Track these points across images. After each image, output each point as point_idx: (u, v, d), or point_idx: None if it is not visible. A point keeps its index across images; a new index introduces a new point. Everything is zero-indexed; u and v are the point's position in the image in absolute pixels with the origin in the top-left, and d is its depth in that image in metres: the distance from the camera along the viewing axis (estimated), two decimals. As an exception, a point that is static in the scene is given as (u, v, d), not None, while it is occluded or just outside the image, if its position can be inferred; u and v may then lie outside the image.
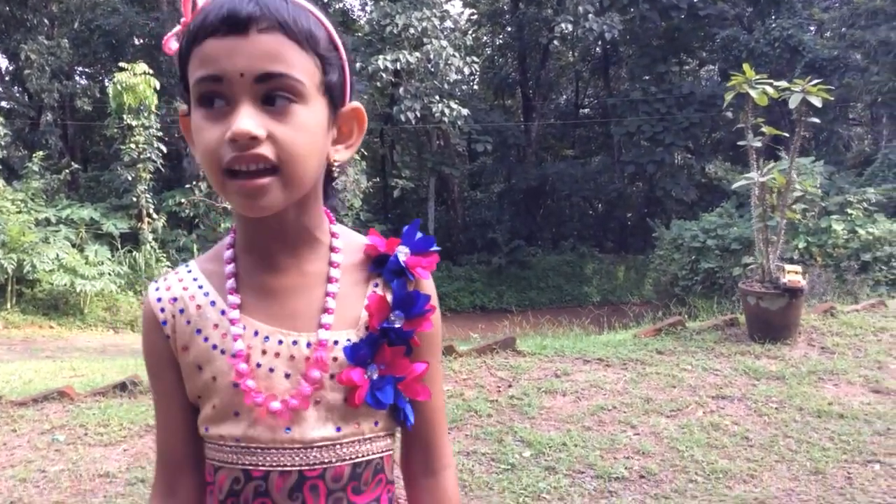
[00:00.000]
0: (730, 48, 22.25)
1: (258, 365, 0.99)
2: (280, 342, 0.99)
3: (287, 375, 0.99)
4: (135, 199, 17.19)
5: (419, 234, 1.06)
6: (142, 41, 24.53)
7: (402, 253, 1.04)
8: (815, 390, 4.37)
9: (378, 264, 1.05)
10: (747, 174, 5.40)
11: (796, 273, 5.01)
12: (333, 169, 1.04)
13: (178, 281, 1.06)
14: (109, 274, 15.57)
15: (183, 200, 17.65)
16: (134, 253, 17.04)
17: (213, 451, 1.02)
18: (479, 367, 4.91)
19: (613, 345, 5.30)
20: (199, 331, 1.01)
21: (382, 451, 1.04)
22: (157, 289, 1.06)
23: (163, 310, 1.04)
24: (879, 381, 4.45)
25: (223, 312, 1.01)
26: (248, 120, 0.88)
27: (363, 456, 1.01)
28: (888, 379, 4.48)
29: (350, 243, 1.07)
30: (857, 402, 4.19)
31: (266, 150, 0.90)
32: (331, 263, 1.03)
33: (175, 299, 1.04)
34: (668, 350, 5.12)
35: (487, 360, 5.02)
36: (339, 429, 1.00)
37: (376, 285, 1.04)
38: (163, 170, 18.06)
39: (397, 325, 1.01)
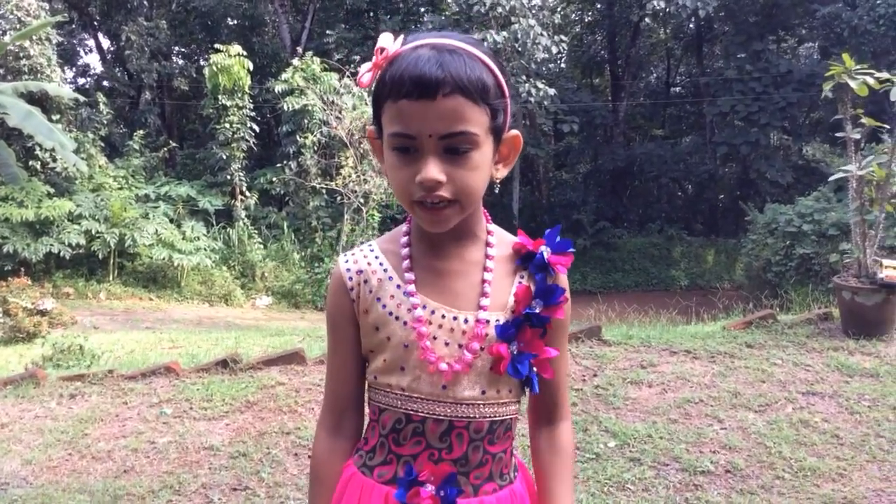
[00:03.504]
0: (831, 25, 21.31)
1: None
2: (443, 316, 1.22)
3: (447, 344, 1.22)
4: (229, 177, 17.78)
5: (558, 238, 1.28)
6: (236, 22, 25.18)
7: (546, 252, 1.27)
8: (911, 390, 4.26)
9: (525, 260, 1.28)
10: (845, 166, 5.25)
11: (894, 268, 4.86)
12: (495, 184, 1.35)
13: (364, 256, 1.30)
14: (205, 249, 16.19)
15: (274, 179, 18.14)
16: (228, 229, 17.64)
17: (380, 395, 1.27)
18: (565, 354, 4.95)
19: (701, 336, 5.25)
20: (378, 299, 1.25)
21: (513, 414, 1.29)
22: (346, 261, 1.31)
23: (350, 278, 1.28)
24: (981, 382, 4.30)
25: (398, 286, 1.25)
26: (434, 169, 1.12)
27: (499, 416, 1.25)
28: None
29: (501, 240, 1.30)
30: (956, 403, 4.07)
31: (446, 191, 1.13)
32: (487, 255, 1.27)
33: (361, 271, 1.28)
34: (758, 344, 5.05)
35: (573, 348, 5.05)
36: (483, 391, 1.23)
37: (522, 277, 1.28)
38: (255, 149, 18.60)
39: (537, 311, 1.22)
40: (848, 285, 5.05)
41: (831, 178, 5.88)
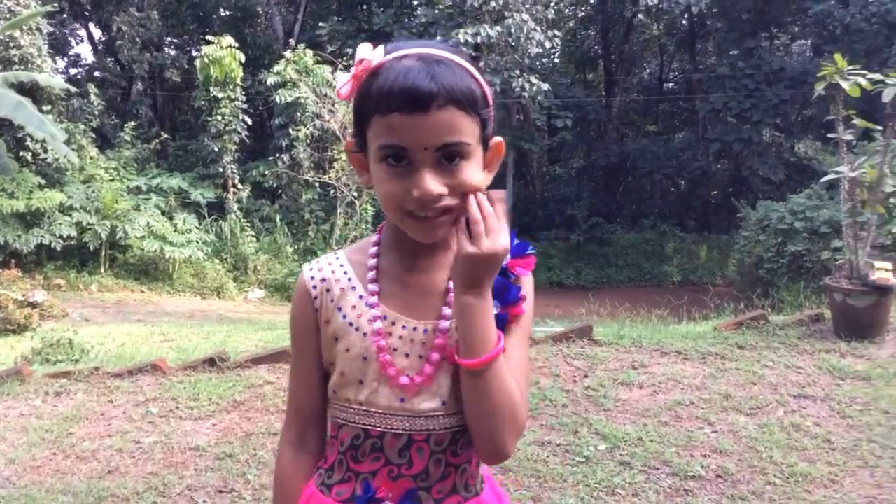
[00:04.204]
0: (824, 23, 21.33)
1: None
2: (403, 327, 1.20)
3: (406, 355, 1.19)
4: (221, 170, 17.71)
5: (516, 241, 1.24)
6: (228, 13, 25.04)
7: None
8: (902, 393, 4.25)
9: None
10: (836, 168, 5.23)
11: (886, 270, 4.85)
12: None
13: (329, 265, 1.28)
14: (197, 241, 16.13)
15: (267, 171, 18.07)
16: (220, 221, 17.57)
17: (338, 410, 1.24)
18: (555, 355, 4.94)
19: (692, 337, 5.23)
20: (339, 308, 1.23)
21: None
22: (311, 269, 1.28)
23: (314, 287, 1.26)
24: (973, 386, 4.29)
25: (360, 297, 1.22)
26: (433, 183, 1.10)
27: (461, 426, 1.20)
28: (982, 385, 4.31)
29: None
30: (947, 408, 4.05)
31: (446, 201, 1.11)
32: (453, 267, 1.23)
33: (324, 280, 1.26)
34: (749, 345, 5.03)
35: (563, 348, 5.03)
36: (443, 402, 1.19)
37: None
38: (247, 141, 18.52)
39: (496, 311, 1.17)
40: (840, 287, 5.03)
41: (823, 179, 5.86)
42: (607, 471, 3.53)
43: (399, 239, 1.22)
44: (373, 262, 1.25)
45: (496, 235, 1.10)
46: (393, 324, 1.20)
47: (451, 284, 1.21)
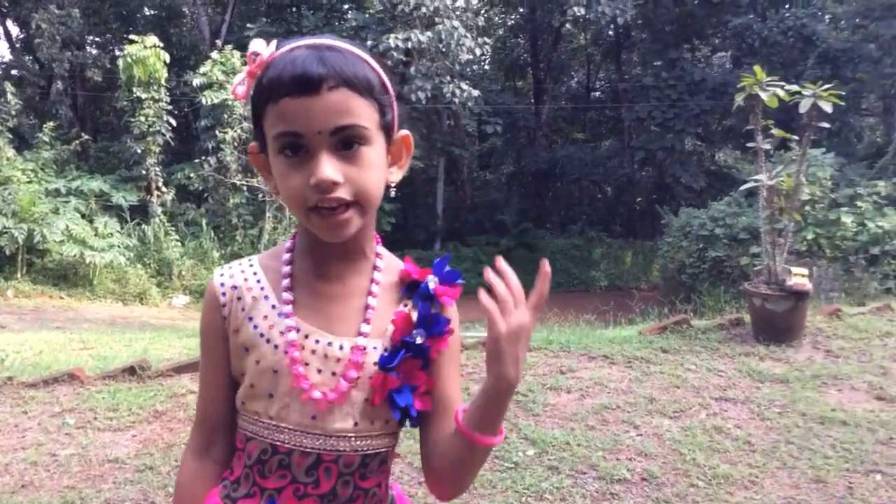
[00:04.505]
0: (743, 36, 22.07)
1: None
2: (317, 342, 1.14)
3: (320, 371, 1.14)
4: (144, 172, 17.24)
5: (447, 268, 1.20)
6: (152, 12, 24.45)
7: (432, 281, 1.20)
8: (818, 395, 4.39)
9: (410, 289, 1.21)
10: (755, 176, 5.40)
11: (802, 276, 5.02)
12: (391, 189, 1.18)
13: (241, 272, 1.21)
14: (118, 246, 15.64)
15: (192, 174, 17.68)
16: (143, 225, 17.10)
17: (247, 423, 1.18)
18: (485, 360, 4.94)
19: (619, 341, 5.32)
20: (250, 318, 1.17)
21: (388, 447, 1.20)
22: (221, 275, 1.22)
23: (224, 294, 1.19)
24: (884, 387, 4.46)
25: (273, 307, 1.16)
26: (329, 168, 1.04)
27: (372, 449, 1.17)
28: (893, 386, 4.48)
29: (390, 265, 1.23)
30: (860, 409, 4.21)
31: (344, 191, 1.06)
32: (373, 280, 1.20)
33: (235, 287, 1.19)
34: (673, 349, 5.15)
35: (493, 353, 5.04)
36: (356, 423, 1.15)
37: (405, 306, 1.20)
38: (172, 143, 18.10)
39: (418, 341, 1.15)
40: (758, 292, 5.19)
41: (742, 188, 6.05)
42: (535, 476, 3.55)
43: (311, 243, 1.17)
44: (286, 269, 1.19)
45: (522, 310, 1.07)
46: (307, 337, 1.14)
47: (369, 300, 1.17)
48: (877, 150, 19.57)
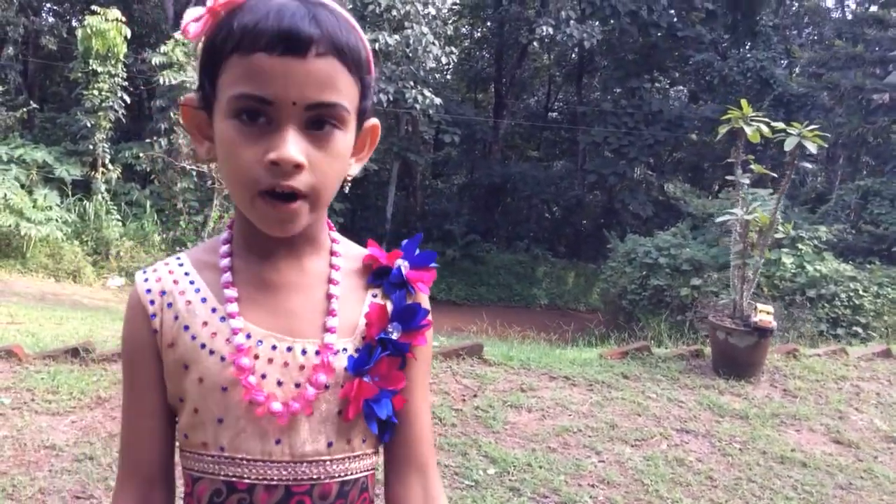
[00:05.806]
0: (702, 72, 22.54)
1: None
2: (274, 347, 0.94)
3: (280, 383, 0.93)
4: (91, 147, 16.71)
5: (418, 250, 1.04)
6: (116, -16, 23.77)
7: (404, 266, 1.02)
8: (777, 434, 4.40)
9: (377, 276, 1.03)
10: (731, 209, 5.42)
11: (768, 313, 5.04)
12: (346, 182, 1.03)
13: (169, 273, 1.00)
14: (56, 220, 15.12)
15: (141, 154, 17.16)
16: (84, 202, 16.56)
17: (192, 460, 0.96)
18: (445, 371, 4.84)
19: (580, 363, 5.27)
20: (186, 327, 0.95)
21: (368, 469, 1.01)
22: (146, 279, 1.00)
23: (152, 302, 0.97)
24: (840, 431, 4.49)
25: (214, 310, 0.95)
26: (295, 147, 0.86)
27: (352, 474, 0.98)
28: (849, 430, 4.53)
29: (349, 251, 1.04)
30: (819, 451, 4.22)
31: (304, 179, 0.87)
32: (332, 265, 1.00)
33: (164, 292, 0.98)
34: (634, 375, 5.11)
35: (453, 365, 4.94)
36: (330, 444, 0.95)
37: (374, 296, 1.02)
38: (124, 121, 17.59)
39: (395, 337, 0.98)
40: (722, 325, 5.19)
41: (719, 220, 6.08)
42: (497, 496, 3.45)
43: (253, 232, 0.95)
44: (225, 262, 0.98)
45: None
46: (260, 342, 0.93)
47: (331, 288, 0.98)
48: (817, 195, 20.15)
